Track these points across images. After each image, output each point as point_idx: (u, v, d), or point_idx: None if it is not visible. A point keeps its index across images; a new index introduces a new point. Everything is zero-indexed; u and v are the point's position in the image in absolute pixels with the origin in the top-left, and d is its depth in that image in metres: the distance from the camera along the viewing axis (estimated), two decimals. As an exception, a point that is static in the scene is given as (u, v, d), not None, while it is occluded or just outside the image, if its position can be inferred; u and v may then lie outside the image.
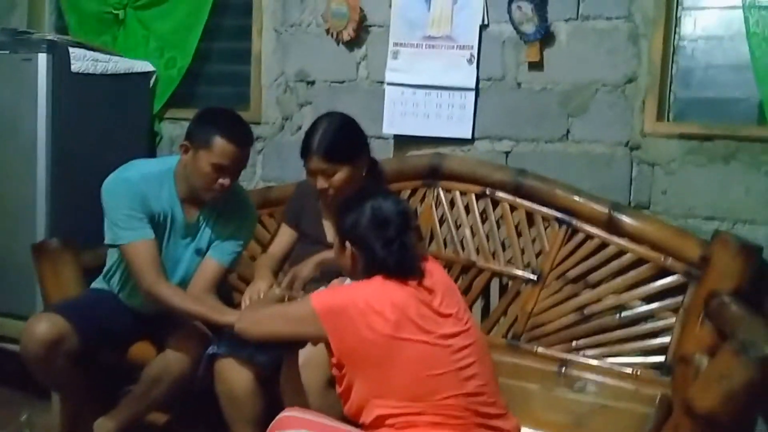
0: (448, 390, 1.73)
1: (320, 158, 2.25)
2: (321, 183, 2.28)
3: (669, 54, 2.60)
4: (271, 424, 1.80)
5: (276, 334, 1.91)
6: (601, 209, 2.49)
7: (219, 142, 2.18)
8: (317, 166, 2.26)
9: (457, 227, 2.71)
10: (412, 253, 1.85)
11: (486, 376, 1.82)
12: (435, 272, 1.90)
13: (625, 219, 2.46)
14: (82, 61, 2.98)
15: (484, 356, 1.86)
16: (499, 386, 1.88)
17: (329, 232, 2.40)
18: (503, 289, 2.66)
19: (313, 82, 3.12)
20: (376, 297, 1.76)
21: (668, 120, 2.63)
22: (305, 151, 2.29)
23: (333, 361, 1.82)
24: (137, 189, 2.25)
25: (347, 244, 1.87)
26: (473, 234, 2.68)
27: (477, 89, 2.81)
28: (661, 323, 2.41)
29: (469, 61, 2.81)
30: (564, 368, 2.41)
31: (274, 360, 2.09)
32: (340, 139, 2.30)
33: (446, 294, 1.85)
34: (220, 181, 2.22)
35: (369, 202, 1.87)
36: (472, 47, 2.80)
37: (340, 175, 2.27)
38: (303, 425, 1.75)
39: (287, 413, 1.80)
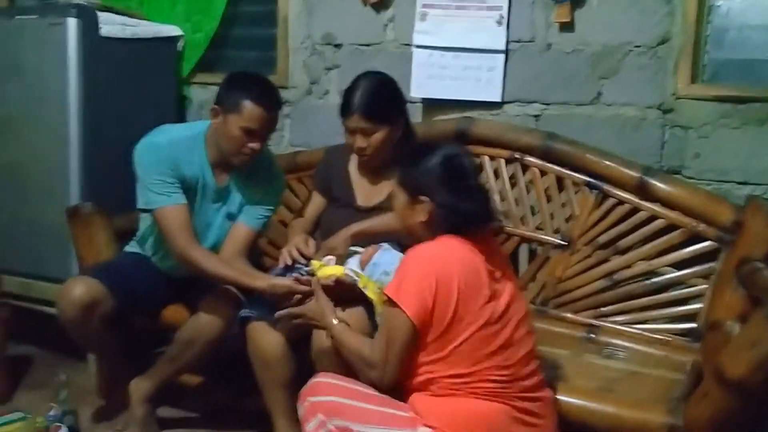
0: (496, 360, 1.71)
1: (361, 117, 2.24)
2: (360, 142, 2.27)
3: (703, 14, 2.54)
4: (302, 389, 1.81)
5: (400, 356, 1.75)
6: (633, 174, 2.47)
7: (248, 106, 2.19)
8: (358, 124, 2.25)
9: (486, 192, 2.70)
10: (493, 202, 1.82)
11: (530, 347, 1.81)
12: (492, 238, 1.88)
13: (657, 183, 2.44)
14: (110, 25, 2.97)
15: (531, 326, 1.84)
16: (538, 356, 1.86)
17: (360, 195, 2.40)
18: (532, 254, 2.66)
19: (339, 45, 3.10)
20: (446, 263, 1.71)
21: (702, 82, 2.59)
22: (346, 109, 2.27)
23: None
24: (168, 153, 2.27)
25: (421, 198, 1.77)
26: (502, 199, 2.67)
27: (506, 51, 2.77)
28: (692, 289, 2.40)
29: (499, 23, 2.76)
30: (593, 334, 2.42)
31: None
32: (383, 98, 2.30)
33: (502, 261, 1.83)
34: (250, 145, 2.23)
35: (438, 152, 1.80)
36: (501, 8, 2.75)
37: (379, 135, 2.26)
38: (335, 392, 1.75)
39: (320, 379, 1.81)
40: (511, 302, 1.77)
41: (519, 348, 1.76)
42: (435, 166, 1.78)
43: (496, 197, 2.66)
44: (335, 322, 1.93)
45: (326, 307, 1.98)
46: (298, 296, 2.10)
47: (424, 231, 1.80)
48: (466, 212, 1.75)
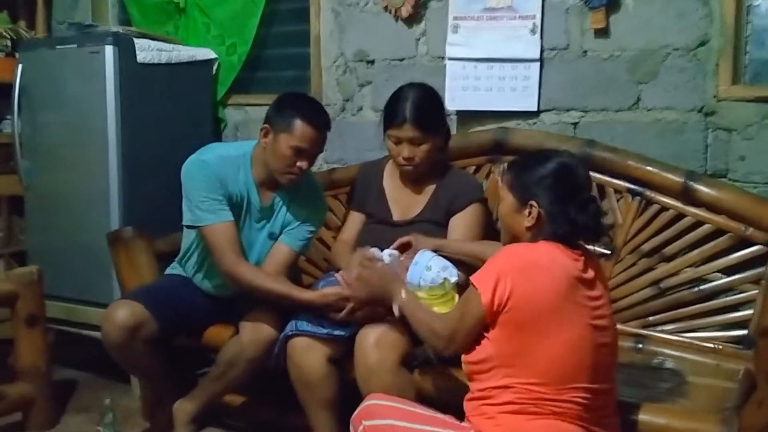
0: (580, 383, 1.65)
1: (414, 127, 2.25)
2: (407, 152, 2.28)
3: (742, 13, 2.49)
4: (356, 413, 1.76)
5: (467, 335, 1.75)
6: (676, 179, 2.41)
7: (300, 126, 2.22)
8: (409, 134, 2.26)
9: (525, 203, 2.67)
10: (603, 217, 1.78)
11: (614, 374, 1.76)
12: (596, 258, 1.81)
13: (702, 188, 2.38)
14: (146, 51, 3.03)
15: (617, 352, 1.79)
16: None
17: (395, 210, 2.40)
18: (574, 264, 2.61)
19: (372, 62, 3.10)
20: (533, 267, 1.66)
21: (743, 83, 2.52)
22: (396, 119, 2.27)
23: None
24: (216, 171, 2.29)
25: (531, 203, 1.73)
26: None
27: (541, 60, 2.74)
28: (742, 295, 2.34)
29: (532, 32, 2.74)
30: (641, 344, 2.36)
31: (352, 337, 2.09)
32: (433, 108, 2.32)
33: (603, 283, 1.77)
34: (298, 164, 2.25)
35: (552, 160, 1.76)
36: (534, 17, 2.73)
37: (428, 145, 2.28)
38: (391, 414, 1.70)
39: (374, 401, 1.76)
40: (607, 326, 1.71)
41: (606, 373, 1.70)
42: (548, 173, 1.73)
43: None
44: (404, 294, 1.92)
45: (395, 282, 1.97)
46: (350, 304, 2.09)
47: (528, 236, 1.76)
48: (574, 222, 1.70)
